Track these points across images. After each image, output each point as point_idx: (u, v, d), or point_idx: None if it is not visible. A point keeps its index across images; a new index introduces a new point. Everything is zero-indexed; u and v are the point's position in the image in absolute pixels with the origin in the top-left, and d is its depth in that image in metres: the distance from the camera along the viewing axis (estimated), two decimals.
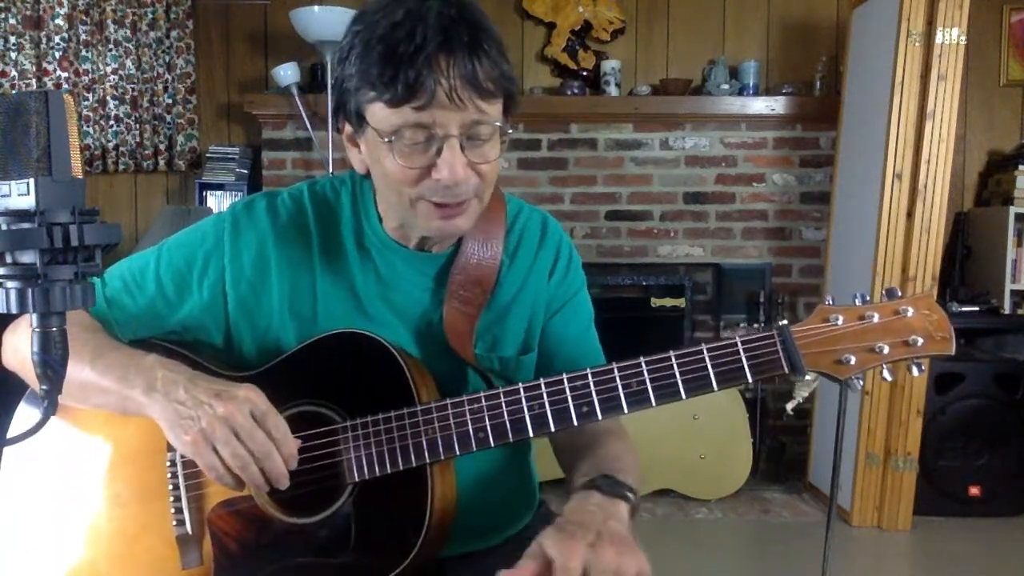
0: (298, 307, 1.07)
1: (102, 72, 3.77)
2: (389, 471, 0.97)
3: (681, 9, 3.85)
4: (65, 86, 3.75)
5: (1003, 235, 3.49)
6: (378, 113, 0.94)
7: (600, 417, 0.95)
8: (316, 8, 3.37)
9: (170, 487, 1.03)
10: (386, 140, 0.94)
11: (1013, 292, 3.50)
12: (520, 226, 1.15)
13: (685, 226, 3.75)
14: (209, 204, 3.69)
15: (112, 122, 3.79)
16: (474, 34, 0.92)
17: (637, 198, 3.74)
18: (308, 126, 3.65)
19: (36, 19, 3.72)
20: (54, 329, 0.68)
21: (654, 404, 0.94)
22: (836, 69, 3.68)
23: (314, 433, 1.00)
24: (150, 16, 3.76)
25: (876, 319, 0.92)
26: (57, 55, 3.74)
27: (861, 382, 0.94)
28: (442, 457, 0.97)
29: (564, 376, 0.96)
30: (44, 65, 3.73)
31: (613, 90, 3.70)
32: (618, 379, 0.95)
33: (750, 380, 0.93)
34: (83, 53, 3.76)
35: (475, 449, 0.97)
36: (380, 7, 0.94)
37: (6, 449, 1.09)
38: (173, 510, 1.02)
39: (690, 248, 3.75)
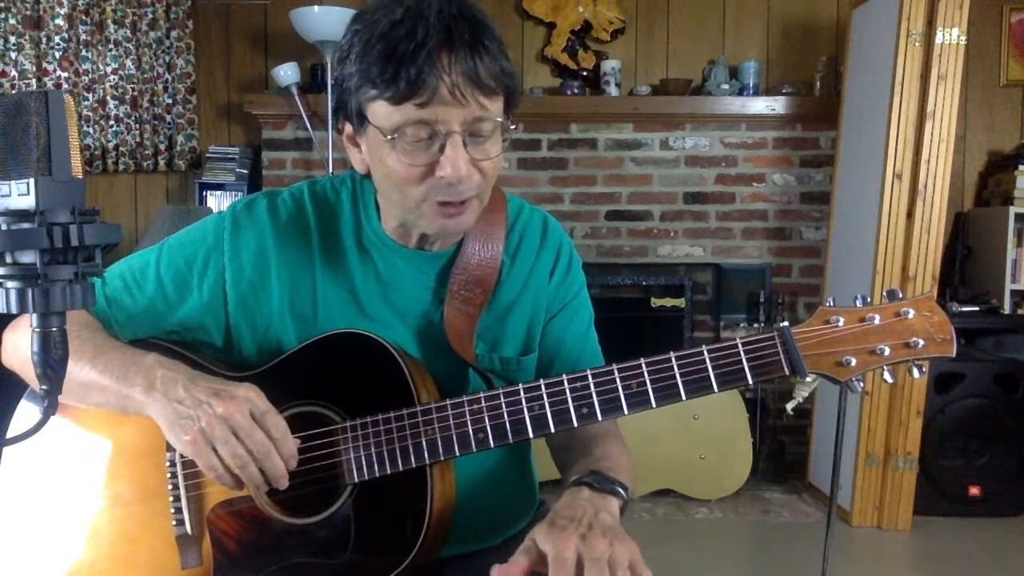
0: (298, 307, 1.07)
1: (102, 72, 3.77)
2: (389, 472, 0.97)
3: (681, 9, 3.85)
4: (65, 86, 3.75)
5: (1003, 235, 3.49)
6: (380, 111, 0.94)
7: (600, 418, 0.95)
8: (316, 8, 3.37)
9: (170, 487, 1.03)
10: (388, 138, 0.94)
11: (1013, 292, 3.50)
12: (521, 226, 1.15)
13: (685, 226, 3.75)
14: (209, 204, 3.69)
15: (112, 122, 3.79)
16: (475, 31, 0.92)
17: (637, 198, 3.74)
18: (308, 126, 3.65)
19: (36, 19, 3.72)
20: (54, 329, 0.68)
21: (654, 405, 0.94)
22: (836, 69, 3.68)
23: (313, 433, 0.99)
24: (150, 16, 3.76)
25: (877, 321, 0.92)
26: (57, 55, 3.74)
27: (861, 384, 0.94)
28: (442, 458, 0.97)
29: (564, 377, 0.96)
30: (44, 65, 3.73)
31: (613, 90, 3.70)
32: (618, 380, 0.94)
33: (751, 381, 0.93)
34: (83, 53, 3.76)
35: (475, 450, 0.97)
36: (379, 6, 0.94)
37: (6, 449, 1.09)
38: (173, 510, 1.03)
39: (690, 248, 3.75)
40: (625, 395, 0.94)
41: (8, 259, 0.66)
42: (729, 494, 3.26)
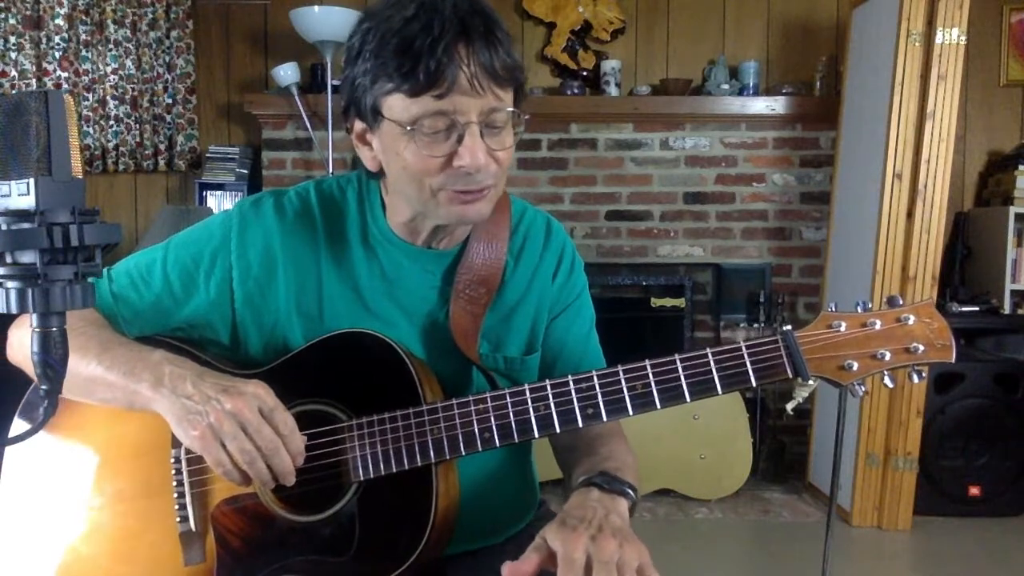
0: (304, 304, 1.08)
1: (102, 72, 3.77)
2: (394, 470, 0.97)
3: (681, 9, 3.85)
4: (65, 86, 3.75)
5: (1003, 235, 3.49)
6: (396, 105, 0.95)
7: (605, 419, 0.95)
8: (316, 8, 3.37)
9: (174, 484, 1.03)
10: (408, 129, 0.95)
11: (1013, 292, 3.50)
12: (525, 227, 1.16)
13: (685, 226, 3.75)
14: (209, 204, 3.69)
15: (112, 122, 3.79)
16: (488, 24, 0.95)
17: (637, 198, 3.74)
18: (308, 126, 3.65)
19: (36, 19, 3.72)
20: (54, 329, 0.68)
21: (659, 407, 0.95)
22: (836, 69, 3.68)
23: (320, 431, 1.00)
24: (150, 16, 3.76)
25: (878, 326, 0.94)
26: (57, 55, 3.74)
27: (863, 388, 0.95)
28: (447, 457, 0.97)
29: (570, 378, 0.96)
30: (44, 65, 3.73)
31: (613, 90, 3.70)
32: (623, 381, 0.95)
33: (754, 384, 0.94)
34: (83, 53, 3.76)
35: (480, 449, 0.97)
36: (390, 4, 0.96)
37: (9, 447, 1.09)
38: (177, 506, 1.03)
39: (690, 248, 3.75)
40: (630, 396, 0.95)
41: (8, 259, 0.66)
42: (729, 494, 3.26)
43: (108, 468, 1.06)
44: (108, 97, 3.78)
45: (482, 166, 0.96)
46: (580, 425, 0.96)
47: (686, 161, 3.73)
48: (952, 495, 3.04)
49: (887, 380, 0.95)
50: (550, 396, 0.96)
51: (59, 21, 3.72)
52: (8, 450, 1.10)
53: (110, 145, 3.79)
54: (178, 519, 1.02)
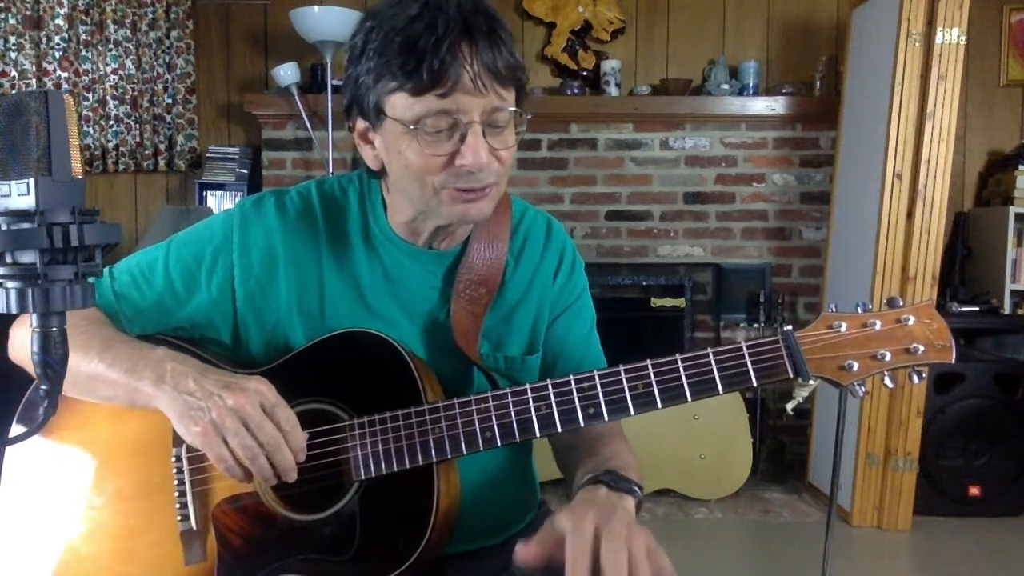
0: (305, 303, 1.08)
1: (102, 72, 3.77)
2: (396, 469, 0.97)
3: (681, 9, 3.85)
4: (65, 86, 3.75)
5: (1003, 235, 3.49)
6: (399, 104, 0.96)
7: (607, 419, 0.96)
8: (316, 8, 3.37)
9: (175, 483, 1.03)
10: (411, 128, 0.95)
11: (1013, 292, 3.49)
12: (525, 228, 1.16)
13: (685, 226, 3.75)
14: (209, 204, 3.69)
15: (112, 122, 3.79)
16: (491, 24, 0.95)
17: (637, 198, 3.74)
18: (308, 126, 3.65)
19: (36, 19, 3.72)
20: (54, 329, 0.68)
21: (660, 406, 0.95)
22: (836, 69, 3.68)
23: (321, 430, 1.00)
24: (150, 16, 3.76)
25: (878, 327, 0.94)
26: (57, 55, 3.74)
27: (863, 389, 0.95)
28: (449, 456, 0.97)
29: (571, 377, 0.97)
30: (44, 65, 3.73)
31: (613, 90, 3.70)
32: (624, 381, 0.95)
33: (755, 384, 0.94)
34: (83, 53, 3.76)
35: (482, 449, 0.97)
36: (392, 3, 0.96)
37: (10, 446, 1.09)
38: (178, 505, 1.03)
39: (690, 248, 3.75)
40: (631, 396, 0.95)
41: (8, 259, 0.66)
42: (729, 494, 3.26)
43: (109, 467, 1.06)
44: (108, 97, 3.78)
45: (484, 165, 0.97)
46: (582, 425, 0.96)
47: (686, 161, 3.73)
48: (952, 495, 3.04)
49: (887, 380, 0.95)
50: (552, 396, 0.96)
51: (59, 21, 3.72)
52: (9, 450, 1.10)
53: (110, 145, 3.79)
54: (179, 518, 1.02)
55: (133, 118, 3.80)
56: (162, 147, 3.82)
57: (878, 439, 2.96)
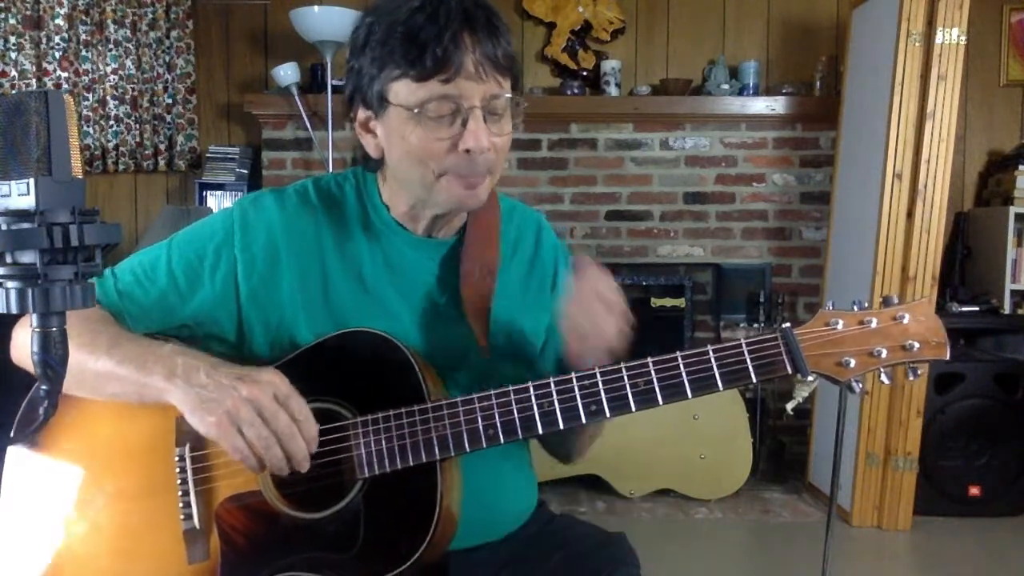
0: (308, 294, 1.09)
1: (102, 72, 3.77)
2: (400, 467, 0.98)
3: (681, 9, 3.85)
4: (65, 86, 3.75)
5: (1003, 235, 3.49)
6: (403, 90, 0.99)
7: (608, 415, 0.97)
8: (316, 8, 3.37)
9: (178, 482, 1.04)
10: (415, 112, 0.99)
11: (1013, 292, 3.49)
12: (516, 220, 1.20)
13: (685, 226, 3.75)
14: (209, 204, 3.69)
15: (112, 122, 3.79)
16: (489, 16, 1.00)
17: (637, 198, 3.74)
18: (308, 126, 3.65)
19: (36, 19, 3.72)
20: (54, 329, 0.68)
21: (661, 403, 0.97)
22: (836, 69, 3.68)
23: (326, 428, 1.00)
24: (150, 16, 3.76)
25: (875, 324, 0.96)
26: (57, 55, 3.74)
27: (860, 385, 0.96)
28: (452, 453, 0.98)
29: (573, 375, 0.98)
30: (44, 65, 3.73)
31: (613, 90, 3.70)
32: (626, 378, 0.97)
33: (754, 380, 0.96)
34: (83, 53, 3.76)
35: (485, 446, 0.98)
36: None
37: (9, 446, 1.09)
38: (181, 504, 1.03)
39: (690, 248, 3.75)
40: (633, 393, 0.97)
41: (8, 259, 0.66)
42: (729, 494, 3.26)
43: (111, 467, 1.07)
44: (108, 97, 3.78)
45: (485, 148, 1.00)
46: (583, 421, 0.97)
47: (686, 161, 3.73)
48: (952, 495, 3.04)
49: (884, 377, 0.97)
50: (554, 392, 0.98)
51: (59, 21, 3.72)
52: (13, 450, 1.10)
53: (110, 145, 3.79)
54: (182, 517, 1.03)
55: (133, 118, 3.80)
56: (162, 147, 3.82)
57: (878, 439, 2.96)
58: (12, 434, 1.06)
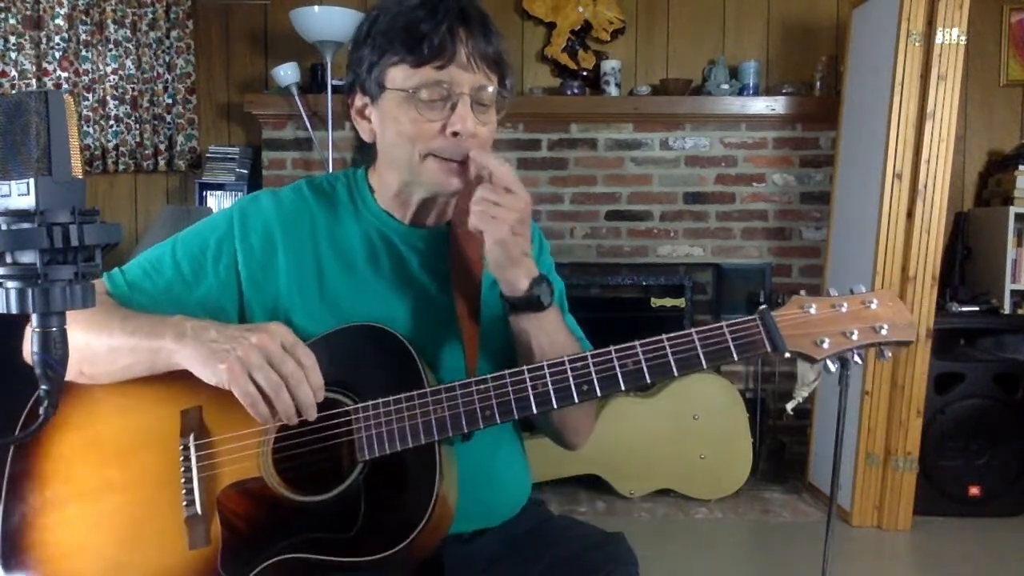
0: (304, 281, 1.15)
1: (102, 72, 3.77)
2: (399, 449, 1.02)
3: (681, 9, 3.85)
4: (65, 86, 3.75)
5: (1003, 235, 3.49)
6: (399, 75, 1.09)
7: (599, 394, 1.02)
8: (316, 8, 3.37)
9: (181, 470, 1.06)
10: (410, 94, 1.08)
11: (1013, 292, 3.49)
12: None
13: (685, 226, 3.75)
14: (209, 204, 3.69)
15: (112, 122, 3.79)
16: (482, 17, 1.10)
17: (637, 198, 3.74)
18: (308, 126, 3.65)
19: (36, 19, 3.72)
20: (54, 329, 0.68)
21: (648, 381, 1.02)
22: (836, 69, 3.68)
23: (326, 414, 1.04)
24: (150, 16, 3.76)
25: (845, 308, 1.03)
26: (57, 55, 3.74)
27: (836, 367, 1.03)
28: (450, 434, 1.02)
29: (565, 358, 1.03)
30: (44, 65, 3.73)
31: (613, 90, 3.70)
32: (615, 360, 1.02)
33: (736, 358, 1.02)
34: (83, 53, 3.76)
35: (482, 426, 1.02)
36: None
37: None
38: (184, 491, 1.05)
39: (690, 248, 3.75)
40: (622, 372, 1.02)
41: (8, 259, 0.66)
42: (729, 494, 3.26)
43: (116, 457, 1.09)
44: (108, 97, 3.78)
45: (471, 132, 1.08)
46: (576, 401, 1.02)
47: (686, 161, 3.73)
48: (952, 495, 3.04)
49: (856, 358, 1.02)
50: (547, 375, 1.03)
51: (59, 21, 3.72)
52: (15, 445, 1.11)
53: (110, 145, 3.79)
54: (184, 503, 1.05)
55: (133, 118, 3.80)
56: (162, 147, 3.82)
57: (878, 439, 2.96)
58: (16, 432, 1.07)
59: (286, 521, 1.03)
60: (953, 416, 3.03)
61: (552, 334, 1.11)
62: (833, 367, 1.02)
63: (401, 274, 1.17)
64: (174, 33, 3.79)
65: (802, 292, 1.06)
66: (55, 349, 0.69)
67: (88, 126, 3.77)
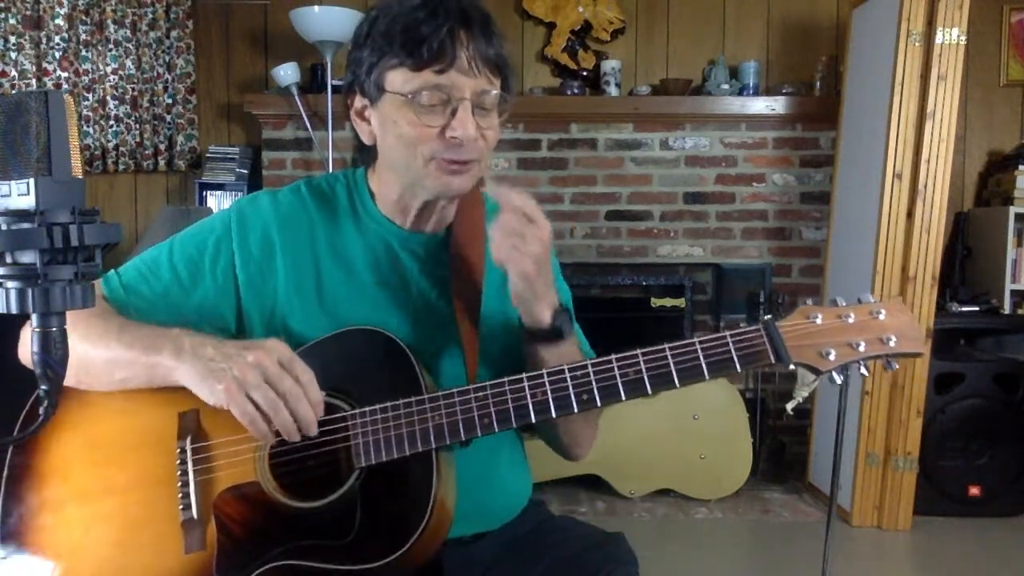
0: (302, 285, 1.13)
1: (102, 72, 3.77)
2: (396, 456, 1.00)
3: (681, 9, 3.85)
4: (65, 86, 3.75)
5: (1003, 235, 3.49)
6: (398, 79, 1.06)
7: (599, 404, 1.00)
8: (316, 8, 3.37)
9: (178, 473, 1.05)
10: (409, 98, 1.05)
11: (1013, 292, 3.49)
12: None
13: (685, 226, 3.75)
14: (209, 204, 3.69)
15: (112, 122, 3.79)
16: (484, 19, 1.07)
17: (637, 198, 3.74)
18: (308, 126, 3.65)
19: (36, 19, 3.72)
20: (54, 329, 0.68)
21: (650, 392, 1.00)
22: (836, 69, 3.68)
23: (325, 420, 1.03)
24: (150, 16, 3.76)
25: (852, 319, 1.00)
26: (57, 55, 3.73)
27: (841, 377, 1.00)
28: (448, 442, 1.01)
29: (565, 366, 1.01)
30: (44, 65, 3.73)
31: (613, 90, 3.70)
32: (616, 369, 1.00)
33: (739, 369, 0.99)
34: (83, 53, 3.76)
35: (480, 434, 1.01)
36: None
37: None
38: (180, 495, 1.04)
39: (690, 248, 3.75)
40: (623, 382, 1.00)
41: (8, 259, 0.66)
42: (729, 494, 3.26)
43: (113, 461, 1.08)
44: (108, 97, 3.78)
45: (471, 138, 1.05)
46: (575, 410, 1.00)
47: (686, 161, 3.73)
48: (952, 495, 3.04)
49: (863, 370, 1.00)
50: (547, 383, 1.01)
51: (59, 21, 3.72)
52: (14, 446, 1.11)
53: (110, 145, 3.79)
54: (181, 507, 1.04)
55: (133, 118, 3.80)
56: (162, 147, 3.82)
57: (878, 439, 2.96)
58: (14, 433, 1.07)
59: (282, 527, 1.02)
60: (953, 416, 3.02)
61: (568, 358, 1.08)
62: (839, 379, 1.00)
63: (401, 280, 1.16)
64: (174, 33, 3.79)
65: (808, 301, 1.03)
66: (55, 349, 0.69)
67: (88, 126, 3.77)
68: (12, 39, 3.72)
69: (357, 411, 1.03)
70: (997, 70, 3.85)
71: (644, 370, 1.00)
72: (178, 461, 1.06)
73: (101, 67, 3.77)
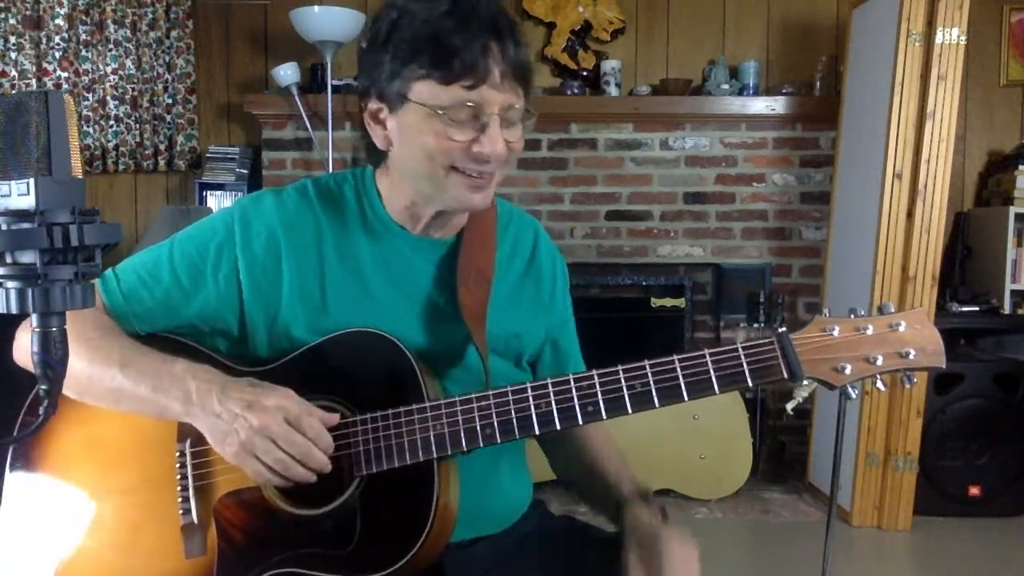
0: (307, 291, 1.10)
1: (102, 72, 3.77)
2: (397, 464, 0.99)
3: (681, 9, 3.85)
4: (65, 86, 3.75)
5: (1003, 235, 3.49)
6: (425, 90, 1.01)
7: (605, 417, 0.98)
8: (316, 8, 3.37)
9: (178, 477, 1.05)
10: (439, 113, 1.00)
11: (1013, 292, 3.49)
12: (515, 225, 1.22)
13: (685, 226, 3.75)
14: (209, 204, 3.69)
15: (112, 122, 3.79)
16: (512, 27, 1.03)
17: (637, 198, 3.74)
18: (308, 126, 3.65)
19: (36, 19, 3.72)
20: (54, 329, 0.68)
21: (657, 405, 0.98)
22: (836, 69, 3.68)
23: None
24: (150, 16, 3.76)
25: (870, 331, 0.96)
26: (57, 55, 3.73)
27: (856, 391, 0.97)
28: (449, 452, 0.99)
29: (571, 376, 0.99)
30: (44, 65, 3.73)
31: (613, 90, 3.70)
32: (623, 381, 0.98)
33: (750, 384, 0.96)
34: (83, 53, 3.76)
35: (482, 445, 0.99)
36: None
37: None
38: (180, 499, 1.04)
39: (690, 248, 3.75)
40: (629, 395, 0.97)
41: (8, 259, 0.66)
42: (729, 494, 3.26)
43: (113, 462, 1.08)
44: (108, 97, 3.77)
45: (500, 154, 1.02)
46: (580, 423, 0.98)
47: (686, 161, 3.73)
48: (952, 495, 3.04)
49: (879, 384, 0.97)
50: (551, 394, 0.98)
51: (59, 21, 3.72)
52: (13, 447, 1.11)
53: (110, 145, 3.79)
54: (181, 511, 1.04)
55: (133, 118, 3.80)
56: (162, 147, 3.82)
57: (878, 439, 2.96)
58: (14, 433, 1.07)
59: (282, 534, 1.01)
60: (953, 416, 3.02)
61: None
62: (854, 393, 0.96)
63: (408, 287, 1.12)
64: (174, 33, 3.79)
65: (826, 312, 0.98)
66: (55, 349, 0.68)
67: (88, 126, 3.77)
68: (12, 39, 3.72)
69: (358, 419, 1.01)
70: (997, 70, 3.85)
71: (652, 383, 0.97)
72: (178, 464, 1.05)
73: (101, 67, 3.77)
